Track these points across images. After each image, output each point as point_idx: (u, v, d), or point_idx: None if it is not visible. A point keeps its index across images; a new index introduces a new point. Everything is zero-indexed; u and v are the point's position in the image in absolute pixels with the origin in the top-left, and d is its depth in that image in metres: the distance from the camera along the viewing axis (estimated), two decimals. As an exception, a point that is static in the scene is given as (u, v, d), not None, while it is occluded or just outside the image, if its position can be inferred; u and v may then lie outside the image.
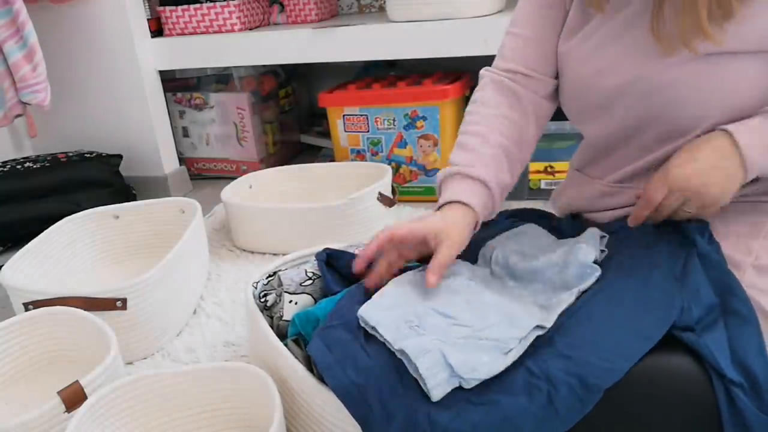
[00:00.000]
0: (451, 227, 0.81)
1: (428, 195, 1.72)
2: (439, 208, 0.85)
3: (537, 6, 0.91)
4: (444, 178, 0.88)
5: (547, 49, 0.91)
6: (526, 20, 0.92)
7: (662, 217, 0.80)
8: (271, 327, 0.90)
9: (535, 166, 1.61)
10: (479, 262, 0.91)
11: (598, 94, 0.87)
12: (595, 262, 0.80)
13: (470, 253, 0.89)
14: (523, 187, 1.65)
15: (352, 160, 1.79)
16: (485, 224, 0.95)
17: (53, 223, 1.33)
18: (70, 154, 1.78)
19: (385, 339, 0.74)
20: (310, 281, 0.93)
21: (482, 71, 0.96)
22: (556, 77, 0.93)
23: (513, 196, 1.65)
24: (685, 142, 0.80)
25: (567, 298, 0.76)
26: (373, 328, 0.76)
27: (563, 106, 0.95)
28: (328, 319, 0.80)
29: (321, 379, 0.77)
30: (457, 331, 0.75)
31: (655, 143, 0.85)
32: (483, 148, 0.87)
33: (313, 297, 0.92)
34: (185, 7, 1.85)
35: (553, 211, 1.05)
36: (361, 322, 0.78)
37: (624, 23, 0.83)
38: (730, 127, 0.74)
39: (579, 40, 0.89)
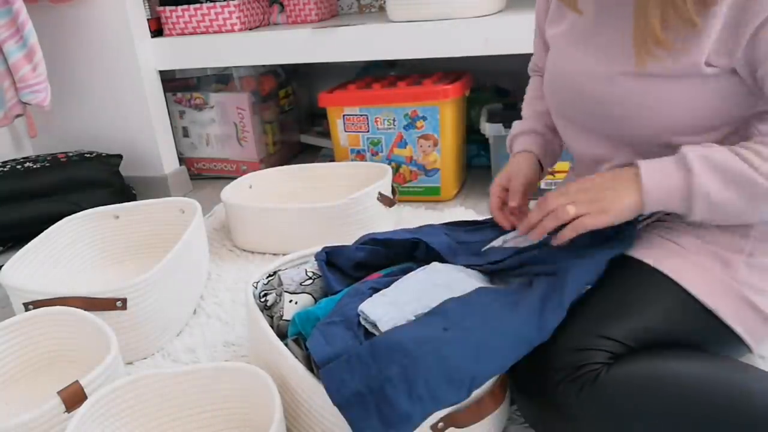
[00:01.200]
0: (515, 168, 1.00)
1: (428, 195, 1.72)
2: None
3: (536, 9, 1.02)
4: (511, 137, 1.09)
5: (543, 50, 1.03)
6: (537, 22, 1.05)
7: (556, 222, 0.80)
8: (271, 327, 0.90)
9: (535, 166, 1.61)
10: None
11: (562, 93, 0.90)
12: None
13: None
14: (523, 187, 1.64)
15: (352, 160, 1.79)
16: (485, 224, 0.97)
17: (53, 223, 1.33)
18: (70, 154, 1.78)
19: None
20: (310, 281, 0.93)
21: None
22: None
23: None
24: (642, 150, 0.82)
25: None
26: (374, 324, 0.76)
27: (545, 95, 0.99)
28: (330, 316, 0.80)
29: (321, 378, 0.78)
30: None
31: (613, 146, 0.85)
32: (529, 111, 1.09)
33: (313, 296, 0.93)
34: (185, 7, 1.85)
35: None
36: (361, 318, 0.78)
37: (593, 26, 0.85)
38: (639, 162, 0.78)
39: (556, 35, 0.93)
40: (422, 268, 0.89)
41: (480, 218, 1.08)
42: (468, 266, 0.90)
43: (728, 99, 0.76)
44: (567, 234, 0.79)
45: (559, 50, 0.92)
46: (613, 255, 0.82)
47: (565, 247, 0.83)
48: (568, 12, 0.91)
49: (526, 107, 1.11)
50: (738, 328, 0.77)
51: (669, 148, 0.78)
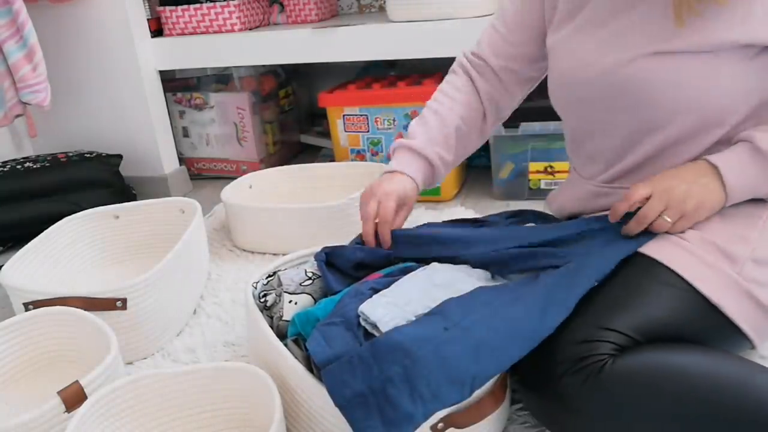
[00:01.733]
0: (404, 193, 0.98)
1: (428, 195, 1.72)
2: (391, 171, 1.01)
3: (521, 16, 1.00)
4: (396, 147, 1.04)
5: (518, 53, 1.01)
6: (510, 24, 1.02)
7: (643, 225, 0.81)
8: (271, 327, 0.90)
9: (535, 166, 1.61)
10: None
11: (579, 86, 0.89)
12: None
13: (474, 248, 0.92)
14: (523, 187, 1.65)
15: (352, 160, 1.79)
16: (485, 222, 0.96)
17: (53, 223, 1.33)
18: (70, 154, 1.78)
19: None
20: (309, 281, 0.93)
21: (460, 53, 1.07)
22: (525, 80, 1.04)
23: (513, 195, 1.66)
24: (664, 137, 0.83)
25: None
26: (374, 325, 0.76)
27: (551, 100, 0.97)
28: (329, 316, 0.80)
29: (321, 378, 0.77)
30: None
31: (635, 139, 0.85)
32: (438, 126, 1.03)
33: (313, 297, 0.92)
34: (185, 7, 1.85)
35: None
36: (361, 319, 0.78)
37: (610, 11, 0.85)
38: (712, 158, 0.80)
39: (569, 32, 0.91)
40: (422, 268, 0.89)
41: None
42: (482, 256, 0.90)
43: (751, 80, 0.77)
44: (634, 228, 0.83)
45: (571, 48, 0.91)
46: (624, 255, 0.82)
47: (579, 243, 0.83)
48: (579, 10, 0.90)
49: (439, 114, 1.04)
50: (742, 324, 0.77)
51: (690, 140, 0.80)
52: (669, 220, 0.80)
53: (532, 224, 0.99)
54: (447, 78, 1.09)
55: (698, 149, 0.83)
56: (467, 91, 1.05)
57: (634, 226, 0.82)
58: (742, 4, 0.74)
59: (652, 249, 0.81)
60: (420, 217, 1.61)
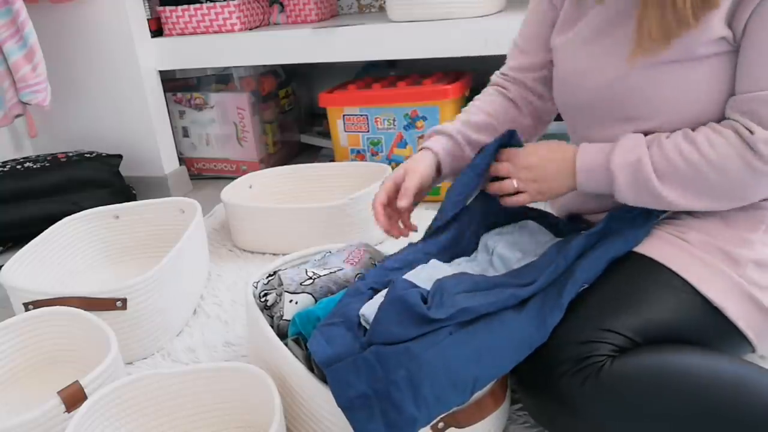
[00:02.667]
0: (413, 164, 0.98)
1: (428, 194, 1.72)
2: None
3: (534, 22, 1.01)
4: (427, 133, 1.04)
5: (536, 60, 1.02)
6: (525, 35, 1.04)
7: (504, 192, 0.91)
8: (271, 327, 0.90)
9: (535, 166, 1.61)
10: (479, 251, 0.92)
11: (579, 93, 0.89)
12: None
13: (472, 243, 0.94)
14: (523, 187, 1.64)
15: (352, 160, 1.79)
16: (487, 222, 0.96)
17: (53, 223, 1.33)
18: (70, 154, 1.78)
19: None
20: (310, 281, 0.93)
21: (494, 75, 1.09)
22: (546, 83, 1.02)
23: (513, 196, 1.66)
24: None
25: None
26: None
27: (554, 98, 0.97)
28: (330, 316, 0.80)
29: (321, 378, 0.77)
30: None
31: None
32: (462, 117, 1.03)
33: (313, 296, 0.92)
34: (185, 7, 1.85)
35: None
36: (362, 320, 0.78)
37: (608, 21, 0.85)
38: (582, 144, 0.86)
39: (571, 37, 0.91)
40: (421, 266, 0.89)
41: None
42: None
43: (727, 80, 0.78)
44: (507, 202, 0.92)
45: (570, 53, 0.92)
46: (613, 256, 0.82)
47: (570, 248, 0.83)
48: (582, 15, 0.90)
49: (464, 113, 1.05)
50: (743, 327, 0.77)
51: None
52: (514, 185, 0.90)
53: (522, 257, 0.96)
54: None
55: None
56: (494, 97, 1.06)
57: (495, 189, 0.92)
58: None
59: (653, 250, 0.81)
60: (420, 217, 1.61)
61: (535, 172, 0.88)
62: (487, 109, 1.03)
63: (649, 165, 0.79)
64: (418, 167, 0.97)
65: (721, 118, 0.79)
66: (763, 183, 0.77)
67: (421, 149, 1.01)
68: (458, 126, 1.01)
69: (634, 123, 0.83)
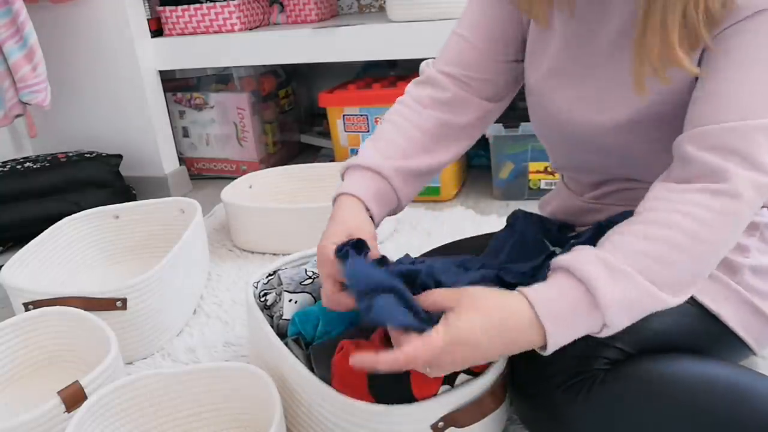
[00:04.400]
0: (356, 225, 0.78)
1: (427, 195, 1.72)
2: (334, 199, 0.85)
3: (489, 17, 0.86)
4: (344, 168, 0.87)
5: (489, 60, 0.87)
6: (475, 26, 0.87)
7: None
8: (271, 326, 0.90)
9: (535, 166, 1.61)
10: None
11: (558, 135, 0.86)
12: None
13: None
14: (523, 187, 1.65)
15: (352, 160, 1.78)
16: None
17: (53, 223, 1.33)
18: (70, 154, 1.78)
19: None
20: (309, 280, 0.93)
21: (422, 65, 0.94)
22: (497, 86, 0.89)
23: (513, 195, 1.66)
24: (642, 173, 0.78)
25: None
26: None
27: (534, 130, 0.94)
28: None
29: (321, 378, 0.78)
30: None
31: (615, 174, 0.84)
32: (391, 136, 0.86)
33: (313, 296, 0.92)
34: (185, 7, 1.85)
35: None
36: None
37: (586, 66, 0.79)
38: (534, 301, 0.62)
39: (540, 77, 0.84)
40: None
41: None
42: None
43: None
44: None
45: (548, 93, 0.83)
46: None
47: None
48: (548, 49, 0.82)
49: (390, 130, 0.88)
50: (742, 333, 0.77)
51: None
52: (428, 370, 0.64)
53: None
54: None
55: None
56: (426, 111, 0.91)
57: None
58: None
59: None
60: (420, 217, 1.61)
61: (464, 363, 0.65)
62: (425, 126, 0.87)
63: (653, 290, 0.62)
64: (362, 226, 0.78)
65: None
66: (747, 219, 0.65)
67: (343, 197, 0.83)
68: (388, 159, 0.83)
69: (620, 164, 0.80)
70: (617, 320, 0.62)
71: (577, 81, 0.80)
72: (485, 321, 0.62)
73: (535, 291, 0.63)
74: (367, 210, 0.81)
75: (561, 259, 0.64)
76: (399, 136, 0.86)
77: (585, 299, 0.61)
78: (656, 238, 0.62)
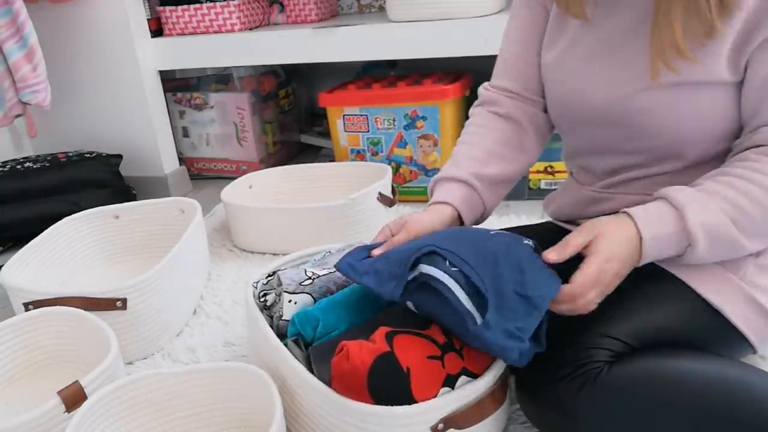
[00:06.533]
0: (438, 224, 0.87)
1: (428, 195, 1.72)
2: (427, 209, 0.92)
3: (522, 23, 0.94)
4: (432, 184, 0.95)
5: (533, 67, 0.94)
6: (514, 38, 0.95)
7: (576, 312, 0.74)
8: (271, 327, 0.90)
9: (535, 166, 1.61)
10: None
11: (576, 112, 0.87)
12: None
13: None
14: (523, 187, 1.65)
15: (352, 160, 1.79)
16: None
17: (53, 223, 1.33)
18: (70, 154, 1.78)
19: None
20: (309, 281, 0.93)
21: (480, 88, 1.00)
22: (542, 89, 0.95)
23: (513, 195, 1.64)
24: (670, 165, 0.81)
25: None
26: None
27: (549, 113, 0.95)
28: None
29: (321, 378, 0.78)
30: None
31: (632, 158, 0.85)
32: (466, 152, 0.94)
33: (312, 297, 0.92)
34: (185, 7, 1.85)
35: (546, 218, 1.05)
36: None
37: (606, 42, 0.82)
38: (639, 222, 0.73)
39: (558, 54, 0.88)
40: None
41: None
42: None
43: (729, 107, 0.76)
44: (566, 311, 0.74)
45: (564, 72, 0.88)
46: None
47: None
48: (567, 29, 0.87)
49: (467, 143, 0.95)
50: (744, 328, 0.77)
51: (683, 157, 0.79)
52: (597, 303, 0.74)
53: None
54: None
55: (684, 163, 0.82)
56: (495, 123, 0.97)
57: (565, 309, 0.74)
58: (723, 35, 0.72)
59: None
60: (420, 217, 1.61)
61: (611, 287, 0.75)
62: (497, 138, 0.94)
63: (730, 224, 0.72)
64: (417, 225, 0.85)
65: (722, 139, 0.78)
66: None
67: (435, 205, 0.90)
68: (471, 170, 0.91)
69: (636, 142, 0.82)
70: (701, 245, 0.72)
71: (596, 53, 0.83)
72: (613, 240, 0.73)
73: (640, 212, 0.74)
74: (459, 216, 0.90)
75: (660, 192, 0.76)
76: (473, 149, 0.94)
77: (676, 219, 0.72)
78: (738, 188, 0.72)
